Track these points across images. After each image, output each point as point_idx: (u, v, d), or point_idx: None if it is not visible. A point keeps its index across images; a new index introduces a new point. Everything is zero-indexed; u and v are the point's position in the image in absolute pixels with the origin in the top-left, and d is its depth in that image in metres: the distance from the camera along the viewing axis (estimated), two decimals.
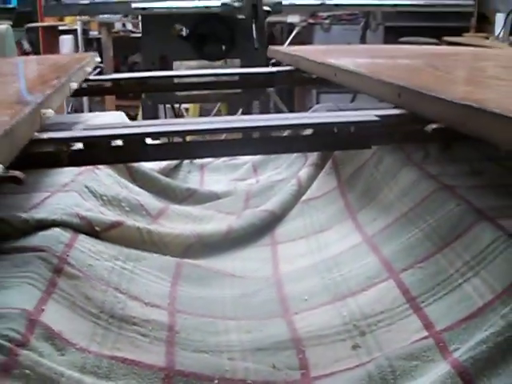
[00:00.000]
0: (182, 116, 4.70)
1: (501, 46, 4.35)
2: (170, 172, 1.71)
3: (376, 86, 1.07)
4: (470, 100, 0.79)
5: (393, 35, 5.19)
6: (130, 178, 1.46)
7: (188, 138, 1.22)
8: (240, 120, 0.95)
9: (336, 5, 3.03)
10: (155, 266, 1.12)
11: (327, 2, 3.02)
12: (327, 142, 0.95)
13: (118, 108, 5.33)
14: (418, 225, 1.04)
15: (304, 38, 5.17)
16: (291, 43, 4.84)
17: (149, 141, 0.92)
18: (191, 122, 1.10)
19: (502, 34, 4.70)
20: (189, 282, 1.11)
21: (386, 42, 5.08)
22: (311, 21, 5.17)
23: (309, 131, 0.96)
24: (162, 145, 0.97)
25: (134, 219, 1.25)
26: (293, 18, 5.04)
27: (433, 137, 0.87)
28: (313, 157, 1.53)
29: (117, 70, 5.46)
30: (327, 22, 5.17)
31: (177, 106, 3.73)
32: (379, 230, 1.12)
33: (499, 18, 4.92)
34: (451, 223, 0.98)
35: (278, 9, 2.95)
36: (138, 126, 0.95)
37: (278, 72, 1.63)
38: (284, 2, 2.96)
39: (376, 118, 0.93)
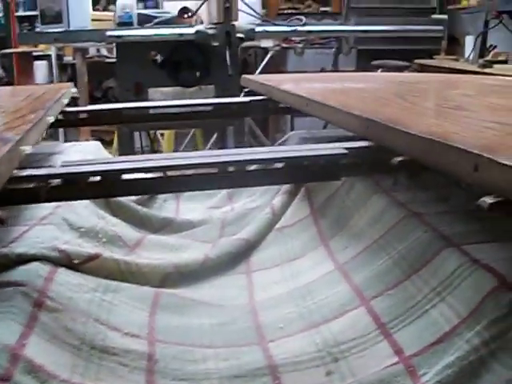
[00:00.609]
0: (157, 141, 4.74)
1: (471, 67, 4.42)
2: (146, 201, 1.73)
3: (345, 119, 1.11)
4: (433, 133, 0.83)
5: (365, 58, 5.27)
6: (107, 209, 1.49)
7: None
8: (215, 155, 0.98)
9: (308, 31, 3.09)
10: (133, 296, 1.14)
11: (299, 29, 3.07)
12: (298, 175, 0.99)
13: (93, 133, 5.35)
14: (387, 252, 1.08)
15: (277, 63, 5.23)
16: (265, 67, 4.90)
17: (126, 175, 0.95)
18: (167, 157, 1.13)
19: (471, 56, 4.79)
20: (167, 311, 1.14)
21: (358, 65, 5.15)
22: (284, 45, 5.23)
23: (280, 164, 1.00)
24: (138, 180, 1.00)
25: (111, 250, 1.27)
26: (266, 43, 5.09)
27: (399, 168, 0.91)
28: (286, 185, 1.56)
29: (91, 95, 5.49)
30: (300, 46, 5.22)
31: (152, 131, 3.76)
32: (351, 258, 1.16)
33: (469, 41, 5.01)
34: (419, 250, 1.02)
35: (251, 35, 3.01)
36: (115, 162, 0.98)
37: (252, 101, 1.67)
38: (257, 29, 3.01)
39: (344, 151, 0.97)
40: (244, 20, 3.19)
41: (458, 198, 1.18)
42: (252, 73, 4.45)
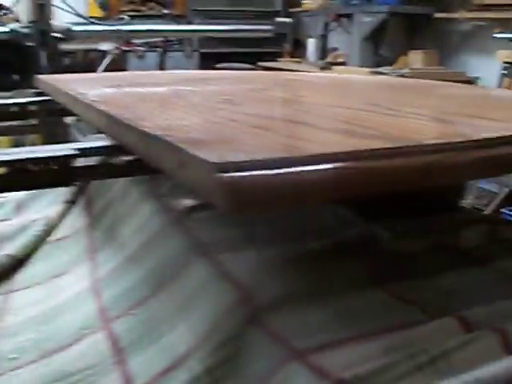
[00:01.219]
0: None
1: (312, 69, 4.42)
2: None
3: (91, 113, 0.97)
4: (168, 127, 0.71)
5: (209, 61, 5.20)
6: None
7: None
8: None
9: (132, 30, 2.95)
10: None
11: (122, 28, 2.93)
12: (20, 181, 0.85)
13: None
14: (141, 264, 0.96)
15: (118, 66, 5.05)
16: (105, 71, 4.71)
17: None
18: None
19: (313, 58, 4.80)
20: None
21: (201, 68, 5.06)
22: (125, 48, 5.06)
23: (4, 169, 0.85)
24: None
25: None
26: (105, 46, 4.91)
27: (130, 169, 0.79)
28: (68, 193, 1.42)
29: None
30: (142, 49, 5.08)
31: None
32: (108, 272, 1.02)
33: (310, 43, 5.03)
34: (172, 261, 0.90)
35: (70, 35, 2.83)
36: None
37: (32, 103, 1.51)
38: (75, 29, 2.84)
39: (74, 152, 0.84)
40: (69, 20, 3.01)
41: None
42: None
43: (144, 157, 0.74)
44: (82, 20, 3.16)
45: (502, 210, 3.08)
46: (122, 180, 1.28)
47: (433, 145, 0.59)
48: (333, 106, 1.02)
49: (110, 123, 0.87)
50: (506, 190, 3.10)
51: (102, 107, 0.93)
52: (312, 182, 0.54)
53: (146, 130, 0.71)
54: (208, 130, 0.73)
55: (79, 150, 0.84)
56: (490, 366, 0.56)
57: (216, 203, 0.52)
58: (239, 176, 0.50)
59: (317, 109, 0.98)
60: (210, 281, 0.81)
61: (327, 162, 0.54)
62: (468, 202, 3.14)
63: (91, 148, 0.86)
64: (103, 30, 2.98)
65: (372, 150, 0.56)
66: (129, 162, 0.78)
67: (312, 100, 1.12)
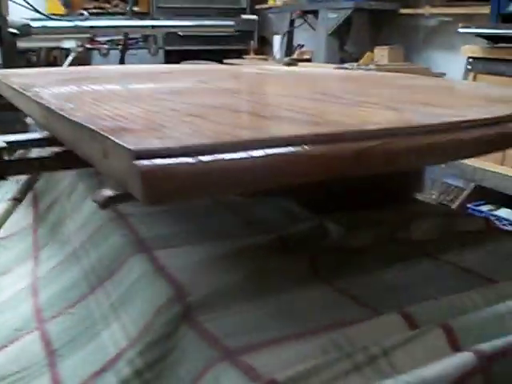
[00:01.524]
0: None
1: (278, 65, 4.38)
2: None
3: (30, 106, 0.93)
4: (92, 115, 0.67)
5: (174, 58, 5.14)
6: None
7: None
8: None
9: (91, 26, 2.90)
10: None
11: (81, 24, 2.87)
12: None
13: None
14: (81, 262, 0.91)
15: (82, 64, 4.98)
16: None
17: None
18: None
19: (278, 54, 4.77)
20: None
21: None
22: (89, 46, 4.99)
23: None
24: None
25: None
26: (69, 44, 4.83)
27: (57, 161, 0.75)
28: (15, 189, 1.37)
29: None
30: (106, 46, 5.01)
31: None
32: (48, 270, 0.98)
33: (276, 40, 5.00)
34: (111, 258, 0.86)
35: (27, 31, 2.77)
36: None
37: None
38: (33, 24, 2.78)
39: (2, 145, 0.79)
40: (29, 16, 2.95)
41: None
42: None
43: (74, 148, 0.70)
44: (41, 16, 3.10)
45: (468, 206, 3.07)
46: (69, 175, 1.24)
47: (369, 131, 0.56)
48: (281, 95, 0.99)
49: (44, 114, 0.83)
50: (472, 185, 3.09)
51: (40, 100, 0.89)
52: (239, 169, 0.50)
53: (74, 118, 0.67)
54: (142, 120, 0.69)
55: (7, 142, 0.80)
56: (433, 365, 0.53)
57: (134, 193, 0.49)
58: (155, 163, 0.46)
59: (263, 98, 0.94)
60: (145, 278, 0.77)
61: (254, 149, 0.50)
62: (433, 197, 3.13)
63: (21, 141, 0.81)
64: (62, 27, 2.91)
65: (301, 136, 0.52)
66: (59, 154, 0.74)
67: (261, 90, 1.08)
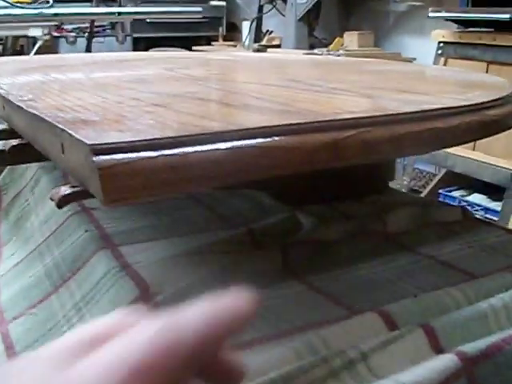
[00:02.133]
0: None
1: (247, 52, 4.34)
2: None
3: None
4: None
5: (143, 46, 5.08)
6: None
7: None
8: None
9: (55, 14, 2.83)
10: None
11: (45, 12, 2.81)
12: None
13: None
14: (45, 259, 0.88)
15: (50, 52, 4.90)
16: None
17: None
18: None
19: (247, 41, 4.72)
20: None
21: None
22: (56, 34, 4.91)
23: None
24: None
25: None
26: (35, 32, 4.74)
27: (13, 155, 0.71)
28: None
29: None
30: (73, 34, 4.93)
31: None
32: (10, 268, 0.94)
33: (245, 26, 4.95)
34: (74, 254, 0.83)
35: None
36: None
37: None
38: None
39: None
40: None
41: None
42: None
43: (32, 142, 0.66)
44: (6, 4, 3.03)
45: (440, 191, 3.06)
46: (33, 167, 1.19)
47: (345, 120, 0.52)
48: (251, 83, 0.96)
49: (2, 105, 0.79)
50: (444, 170, 3.08)
51: None
52: (207, 162, 0.47)
53: (31, 110, 0.63)
54: (103, 110, 0.65)
55: None
56: (415, 369, 0.50)
57: (93, 191, 0.45)
58: (115, 158, 0.43)
59: (231, 86, 0.91)
60: (110, 276, 0.73)
61: (223, 141, 0.47)
62: (404, 183, 3.12)
63: None
64: (26, 14, 2.85)
65: (272, 126, 0.49)
66: (16, 146, 0.70)
67: (230, 78, 1.05)
